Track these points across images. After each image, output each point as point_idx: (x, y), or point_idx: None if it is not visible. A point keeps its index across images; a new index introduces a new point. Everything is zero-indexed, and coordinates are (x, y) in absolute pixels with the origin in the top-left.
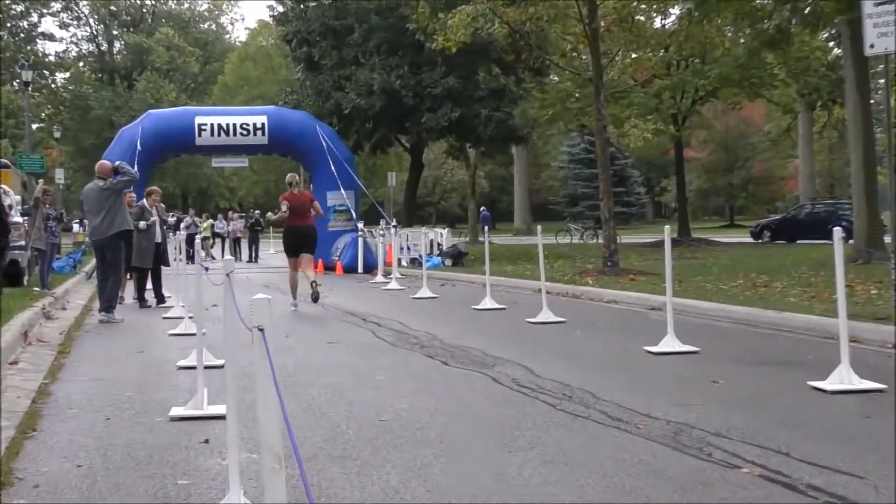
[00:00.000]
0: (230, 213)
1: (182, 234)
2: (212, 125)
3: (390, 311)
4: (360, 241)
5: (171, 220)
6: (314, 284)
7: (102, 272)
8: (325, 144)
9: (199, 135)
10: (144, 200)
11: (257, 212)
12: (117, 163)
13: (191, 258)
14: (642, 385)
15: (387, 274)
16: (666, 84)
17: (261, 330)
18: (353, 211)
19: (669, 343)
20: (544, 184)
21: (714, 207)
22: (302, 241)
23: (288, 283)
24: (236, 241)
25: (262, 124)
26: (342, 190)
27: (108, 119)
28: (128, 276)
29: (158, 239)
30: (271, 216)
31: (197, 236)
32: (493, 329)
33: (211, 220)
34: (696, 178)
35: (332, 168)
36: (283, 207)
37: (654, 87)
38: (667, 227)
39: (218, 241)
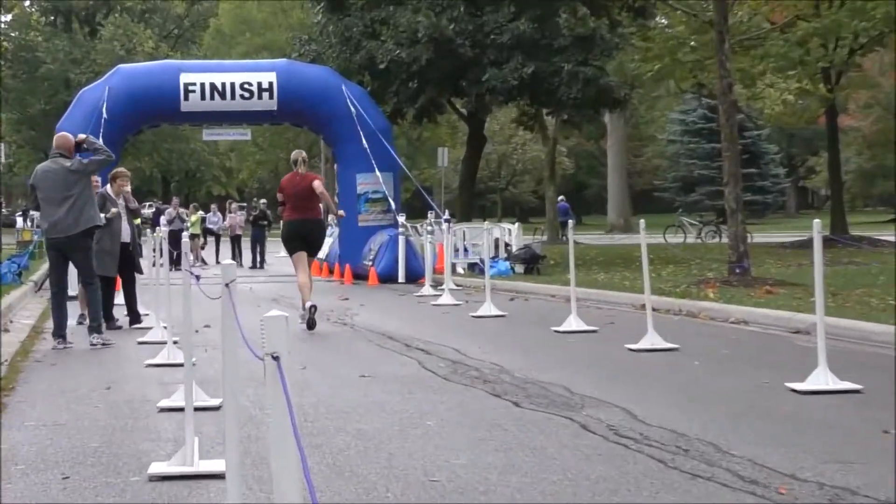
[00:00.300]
0: (229, 203)
1: (163, 230)
2: (202, 85)
3: (442, 333)
4: (402, 240)
5: (148, 211)
6: (312, 310)
7: (58, 282)
8: (353, 110)
9: (186, 98)
10: (108, 187)
11: (262, 202)
12: (82, 136)
13: (175, 263)
14: (784, 435)
15: (437, 284)
16: (814, 28)
17: (275, 359)
18: (391, 200)
19: (821, 378)
20: (648, 164)
21: (880, 195)
22: (304, 235)
23: (298, 288)
24: (235, 241)
25: (270, 84)
26: (377, 172)
27: (64, 76)
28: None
29: (126, 237)
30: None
31: (183, 234)
32: (580, 358)
33: (201, 213)
34: (855, 155)
35: (364, 142)
36: (280, 198)
37: (797, 33)
38: (816, 221)
39: (211, 240)
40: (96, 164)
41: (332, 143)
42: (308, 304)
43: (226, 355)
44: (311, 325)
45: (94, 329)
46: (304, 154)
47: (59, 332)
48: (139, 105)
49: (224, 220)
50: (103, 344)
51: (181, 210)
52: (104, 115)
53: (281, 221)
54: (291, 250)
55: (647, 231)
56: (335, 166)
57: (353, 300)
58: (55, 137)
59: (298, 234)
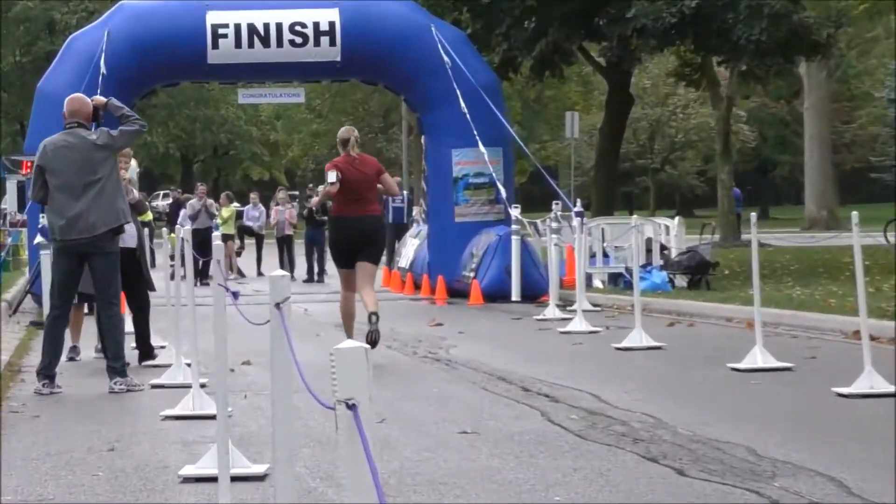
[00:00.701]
0: (280, 191)
1: (185, 229)
2: (237, 27)
3: (573, 372)
4: (516, 242)
5: (162, 203)
6: (372, 318)
7: (63, 302)
8: (447, 61)
9: (215, 45)
10: None
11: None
12: (101, 98)
13: (202, 275)
14: None
15: (565, 303)
16: None
17: (352, 407)
18: (500, 186)
19: None
20: (861, 133)
21: None
22: (358, 240)
23: (340, 315)
24: (284, 244)
25: (331, 25)
26: (480, 147)
27: (47, 18)
28: (85, 310)
29: (130, 242)
30: (315, 201)
31: (213, 234)
32: (769, 407)
33: (236, 206)
34: None
35: (462, 105)
36: (332, 177)
37: None
38: None
39: (251, 242)
40: (128, 136)
41: (417, 106)
42: (369, 311)
43: (276, 404)
44: (372, 339)
45: (118, 371)
46: (356, 132)
47: (48, 371)
48: (150, 55)
49: (268, 215)
50: (129, 389)
51: (209, 202)
52: (102, 70)
53: (327, 218)
54: (341, 260)
55: (861, 227)
56: (422, 139)
57: (448, 326)
58: (68, 101)
59: (349, 235)
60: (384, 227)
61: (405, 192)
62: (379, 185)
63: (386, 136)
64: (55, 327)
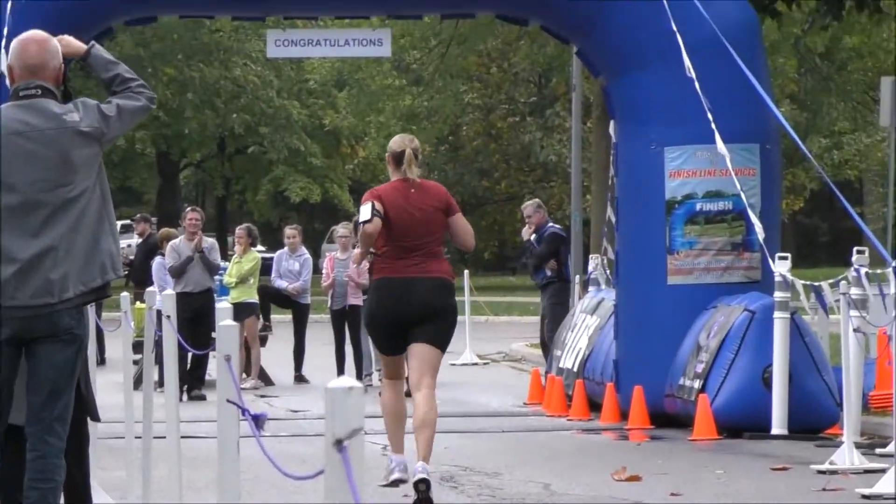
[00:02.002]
0: (341, 227)
1: (163, 290)
2: None
3: None
4: (782, 324)
5: (121, 246)
6: (421, 487)
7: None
8: None
9: None
10: None
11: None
12: (75, 43)
13: (194, 380)
14: None
15: (872, 443)
16: None
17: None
18: (754, 219)
19: None
20: None
21: None
22: (415, 309)
23: (383, 420)
24: (348, 321)
25: None
26: (719, 144)
27: None
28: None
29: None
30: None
31: (219, 302)
32: None
33: (260, 251)
34: None
35: (686, 64)
36: (366, 212)
37: None
38: None
39: (284, 316)
40: (130, 115)
41: (601, 66)
42: (416, 469)
43: None
44: (422, 495)
45: None
46: (416, 142)
47: None
48: None
49: (318, 268)
50: None
51: (208, 242)
52: None
53: (370, 279)
54: (384, 344)
55: None
56: (610, 128)
57: (650, 481)
58: (20, 46)
59: (401, 302)
60: (453, 293)
61: (569, 223)
62: (449, 235)
63: (541, 120)
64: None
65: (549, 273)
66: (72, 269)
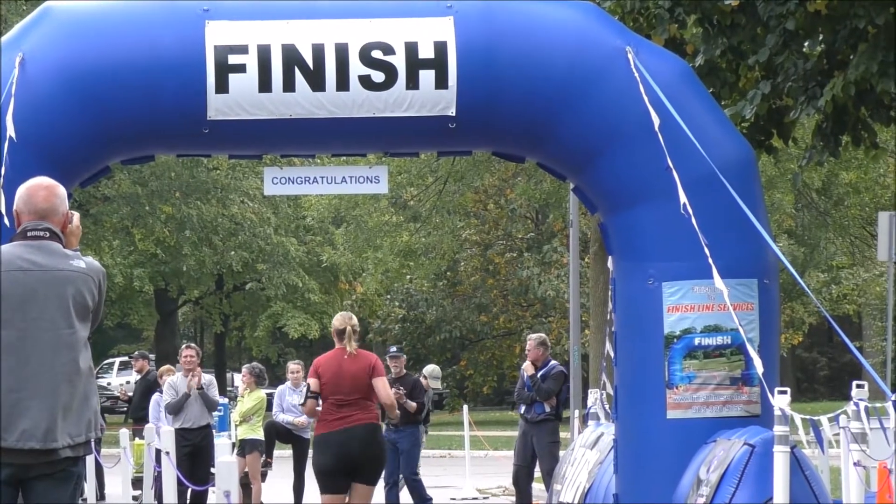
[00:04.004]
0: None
1: (161, 426)
2: (263, 54)
3: None
4: (782, 458)
5: (118, 383)
6: None
7: None
8: (655, 117)
9: (221, 86)
10: None
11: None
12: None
13: None
14: None
15: None
16: None
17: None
18: (753, 353)
19: None
20: None
21: None
22: (352, 458)
23: None
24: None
25: (439, 49)
26: (717, 279)
27: None
28: None
29: None
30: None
31: (218, 438)
32: None
33: (266, 391)
34: None
35: (682, 200)
36: (310, 387)
37: None
38: None
39: (284, 451)
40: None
41: (597, 202)
42: None
43: None
44: None
45: None
46: (354, 320)
47: None
48: (100, 105)
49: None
50: None
51: (206, 379)
52: (10, 133)
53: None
54: (327, 486)
55: None
56: (608, 262)
57: None
58: (28, 192)
59: (340, 452)
60: (382, 437)
61: (568, 358)
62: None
63: (539, 256)
64: None
65: (547, 409)
66: (74, 418)
